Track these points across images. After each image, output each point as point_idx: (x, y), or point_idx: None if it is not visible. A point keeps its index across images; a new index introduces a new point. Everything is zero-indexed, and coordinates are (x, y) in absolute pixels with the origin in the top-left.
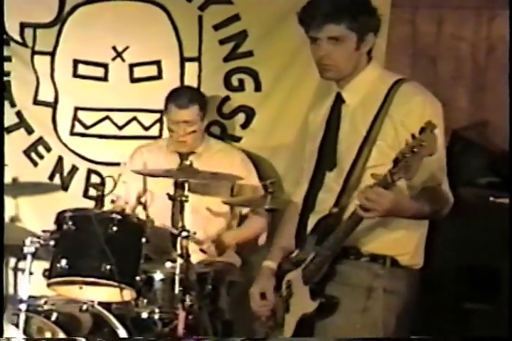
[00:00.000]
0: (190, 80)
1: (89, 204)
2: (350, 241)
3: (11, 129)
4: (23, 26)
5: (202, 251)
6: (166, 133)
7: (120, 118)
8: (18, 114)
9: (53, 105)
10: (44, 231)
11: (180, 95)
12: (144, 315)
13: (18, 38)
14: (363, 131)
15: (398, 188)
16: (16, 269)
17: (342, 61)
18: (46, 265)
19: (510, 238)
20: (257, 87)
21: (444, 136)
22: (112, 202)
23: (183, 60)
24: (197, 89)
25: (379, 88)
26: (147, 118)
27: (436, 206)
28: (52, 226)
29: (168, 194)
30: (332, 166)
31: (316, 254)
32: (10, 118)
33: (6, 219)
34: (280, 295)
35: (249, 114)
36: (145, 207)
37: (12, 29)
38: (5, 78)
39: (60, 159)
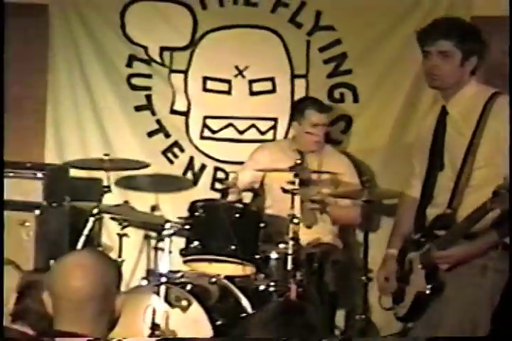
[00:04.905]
0: (299, 94)
1: (215, 195)
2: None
3: (152, 134)
4: (162, 50)
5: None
6: (279, 137)
7: (241, 124)
8: (158, 121)
9: (186, 114)
10: (180, 217)
11: (319, 102)
12: (262, 287)
13: (158, 59)
14: (467, 138)
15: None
16: (156, 248)
17: (447, 73)
18: (182, 245)
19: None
20: (355, 99)
21: None
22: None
23: (293, 76)
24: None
25: (478, 100)
26: (263, 125)
27: None
28: (186, 214)
29: (282, 188)
30: (442, 167)
31: (431, 246)
32: (151, 125)
33: (148, 208)
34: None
35: (348, 121)
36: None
37: (153, 52)
38: (147, 92)
39: (192, 159)
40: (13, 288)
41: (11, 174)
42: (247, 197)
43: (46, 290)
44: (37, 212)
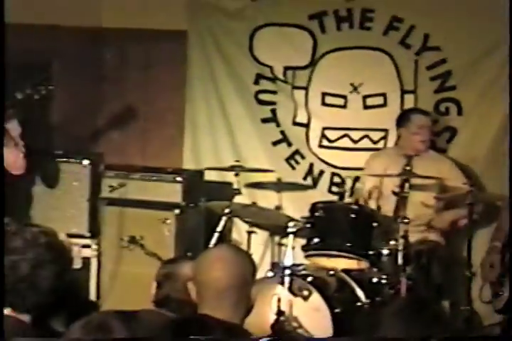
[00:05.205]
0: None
1: (332, 197)
2: None
3: (276, 143)
4: (285, 69)
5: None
6: (389, 145)
7: (355, 135)
8: (282, 132)
9: (307, 125)
10: (302, 217)
11: (420, 110)
12: (375, 280)
13: (282, 77)
14: None
15: None
16: (279, 244)
17: None
18: (302, 241)
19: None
20: (459, 112)
21: None
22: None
23: (403, 92)
24: None
25: None
26: (375, 135)
27: None
28: (307, 214)
29: (393, 191)
30: None
31: None
32: (276, 135)
33: (272, 207)
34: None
35: (453, 132)
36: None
37: (278, 71)
38: (272, 106)
39: (311, 165)
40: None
41: (154, 178)
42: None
43: (191, 279)
44: (176, 211)
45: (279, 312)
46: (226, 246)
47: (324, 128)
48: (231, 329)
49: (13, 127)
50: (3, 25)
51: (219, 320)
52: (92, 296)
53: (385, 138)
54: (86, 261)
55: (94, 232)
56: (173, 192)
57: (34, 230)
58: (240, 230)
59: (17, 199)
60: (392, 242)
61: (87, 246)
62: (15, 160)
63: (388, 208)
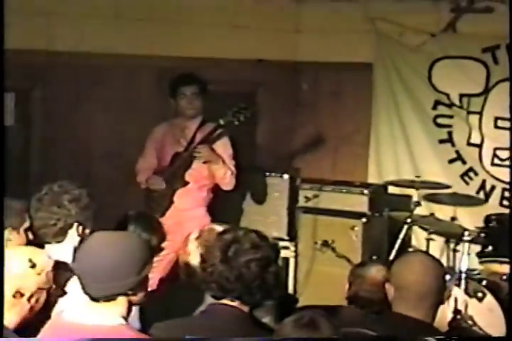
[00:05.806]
0: None
1: (503, 210)
2: None
3: (452, 161)
4: (461, 96)
5: None
6: None
7: None
8: (457, 152)
9: (480, 146)
10: (476, 227)
11: None
12: None
13: (458, 103)
14: None
15: None
16: (454, 250)
17: None
18: (474, 249)
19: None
20: None
21: None
22: None
23: None
24: None
25: None
26: None
27: None
28: (482, 225)
29: None
30: None
31: None
32: (451, 154)
33: (448, 218)
34: None
35: None
36: None
37: (454, 98)
38: (448, 129)
39: (484, 181)
40: (344, 276)
41: (344, 190)
42: None
43: (389, 280)
44: (363, 219)
45: (456, 311)
46: (421, 252)
47: (496, 149)
48: (423, 327)
49: (223, 147)
50: (2, 49)
51: (412, 318)
52: (290, 291)
53: None
54: (284, 260)
55: (292, 236)
56: (360, 202)
57: (257, 234)
58: (418, 237)
59: (230, 211)
60: None
61: (286, 248)
62: (223, 177)
63: None
